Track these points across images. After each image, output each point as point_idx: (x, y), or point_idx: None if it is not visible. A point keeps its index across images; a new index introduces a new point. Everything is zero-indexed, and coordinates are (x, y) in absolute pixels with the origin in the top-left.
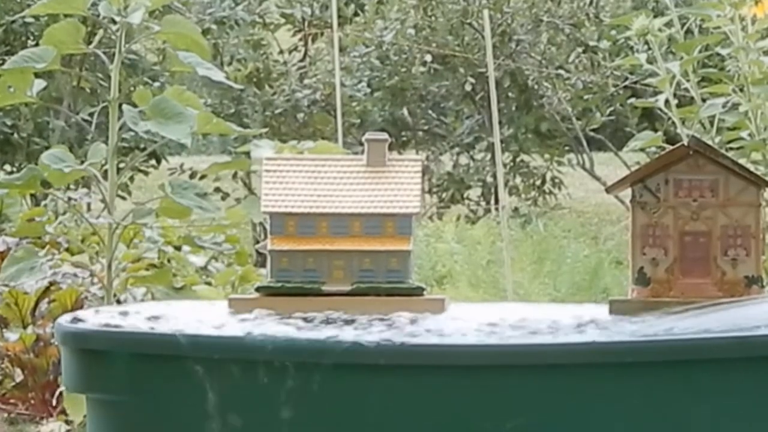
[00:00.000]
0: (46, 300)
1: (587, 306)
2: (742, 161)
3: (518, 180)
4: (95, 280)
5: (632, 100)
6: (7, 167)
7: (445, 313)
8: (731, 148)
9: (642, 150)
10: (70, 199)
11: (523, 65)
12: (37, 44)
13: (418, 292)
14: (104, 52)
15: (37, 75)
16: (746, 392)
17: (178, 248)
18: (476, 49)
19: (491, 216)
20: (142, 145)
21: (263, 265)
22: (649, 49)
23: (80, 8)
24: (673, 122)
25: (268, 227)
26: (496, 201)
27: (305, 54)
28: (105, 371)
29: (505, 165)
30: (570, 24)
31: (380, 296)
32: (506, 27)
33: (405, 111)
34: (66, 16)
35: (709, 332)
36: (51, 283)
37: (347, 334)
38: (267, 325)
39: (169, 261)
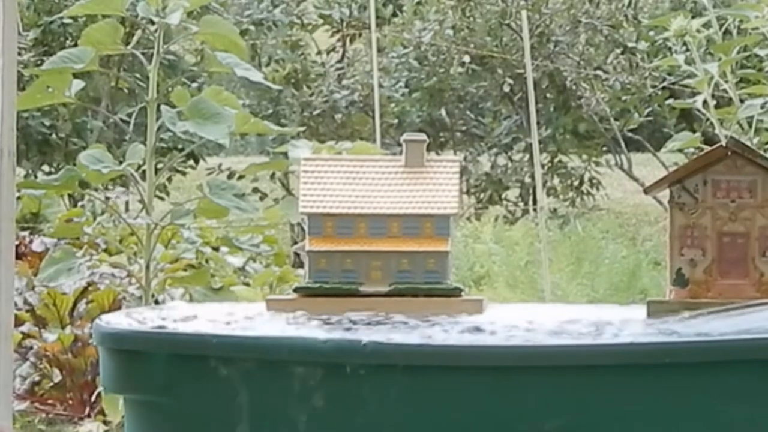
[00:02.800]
0: (84, 300)
1: (625, 307)
2: None
3: (556, 181)
4: (133, 280)
5: (670, 100)
6: (46, 168)
7: (483, 314)
8: None
9: (680, 151)
10: (107, 198)
11: (561, 66)
12: (75, 45)
13: (456, 293)
14: (142, 53)
15: (75, 75)
16: None
17: (216, 249)
18: (514, 49)
19: (529, 217)
20: (180, 146)
21: (301, 266)
22: (687, 50)
23: (118, 9)
24: (711, 123)
25: (306, 228)
26: (534, 202)
27: (343, 55)
28: (143, 372)
29: (543, 166)
30: (608, 25)
31: (418, 297)
32: (544, 28)
33: (443, 112)
34: (104, 16)
35: (747, 333)
36: (89, 284)
37: (381, 336)
38: (304, 326)
39: (207, 261)
